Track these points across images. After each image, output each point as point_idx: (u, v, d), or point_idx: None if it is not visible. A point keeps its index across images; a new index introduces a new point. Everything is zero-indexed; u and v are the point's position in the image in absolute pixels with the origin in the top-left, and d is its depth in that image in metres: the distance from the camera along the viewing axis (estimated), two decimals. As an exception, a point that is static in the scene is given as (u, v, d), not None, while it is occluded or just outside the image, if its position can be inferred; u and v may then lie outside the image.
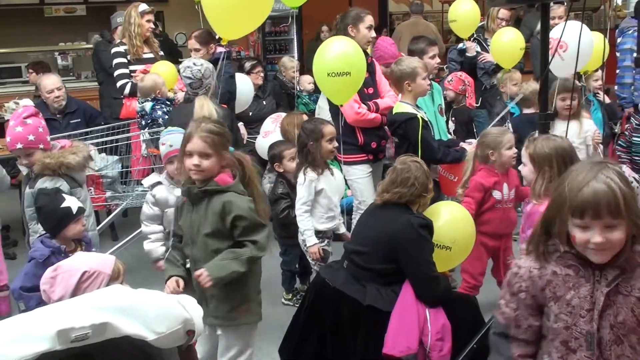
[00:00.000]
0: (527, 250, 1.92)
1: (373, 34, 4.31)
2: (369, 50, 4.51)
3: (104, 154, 4.80)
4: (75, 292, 2.14)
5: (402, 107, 4.03)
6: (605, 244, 1.70)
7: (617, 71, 6.16)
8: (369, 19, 4.27)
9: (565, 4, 5.69)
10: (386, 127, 4.32)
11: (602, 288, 1.77)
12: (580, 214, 1.70)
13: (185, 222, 2.86)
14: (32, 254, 3.03)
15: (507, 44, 5.54)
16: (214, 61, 4.95)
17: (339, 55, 3.95)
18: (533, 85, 5.14)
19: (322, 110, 5.65)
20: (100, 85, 6.13)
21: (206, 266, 2.71)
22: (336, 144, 3.88)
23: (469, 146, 4.10)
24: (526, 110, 5.20)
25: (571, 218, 1.73)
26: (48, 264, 2.97)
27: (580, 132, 4.55)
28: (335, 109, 4.24)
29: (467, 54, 6.04)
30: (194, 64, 4.26)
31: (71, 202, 3.13)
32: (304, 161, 3.82)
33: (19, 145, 3.40)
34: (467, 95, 5.41)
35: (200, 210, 2.78)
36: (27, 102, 5.19)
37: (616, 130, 5.84)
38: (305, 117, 4.64)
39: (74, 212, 3.09)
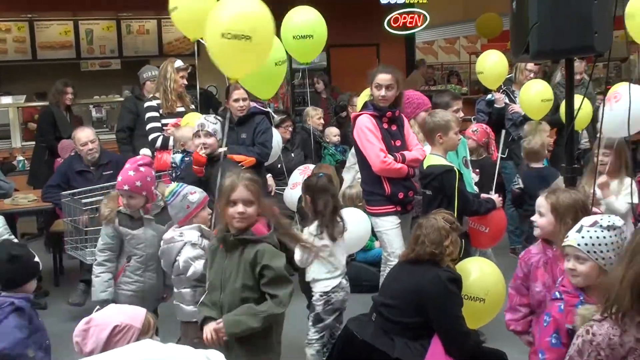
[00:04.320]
0: (602, 314, 1.80)
1: (383, 92, 4.29)
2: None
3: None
4: (106, 346, 2.17)
5: (435, 159, 3.99)
6: None
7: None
8: (379, 78, 4.27)
9: (586, 59, 5.63)
10: (413, 179, 4.33)
11: None
12: None
13: (219, 268, 2.89)
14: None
15: (536, 96, 5.55)
16: (250, 115, 5.05)
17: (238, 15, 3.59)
18: (542, 138, 5.08)
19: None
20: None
21: (224, 319, 2.76)
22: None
23: (496, 197, 4.11)
24: (534, 165, 5.05)
25: None
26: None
27: (621, 190, 4.11)
28: (362, 159, 4.29)
29: (495, 105, 6.07)
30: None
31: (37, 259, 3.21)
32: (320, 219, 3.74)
33: (126, 187, 3.55)
34: (491, 148, 5.30)
35: (234, 258, 2.83)
36: (146, 151, 5.35)
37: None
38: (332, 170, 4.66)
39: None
